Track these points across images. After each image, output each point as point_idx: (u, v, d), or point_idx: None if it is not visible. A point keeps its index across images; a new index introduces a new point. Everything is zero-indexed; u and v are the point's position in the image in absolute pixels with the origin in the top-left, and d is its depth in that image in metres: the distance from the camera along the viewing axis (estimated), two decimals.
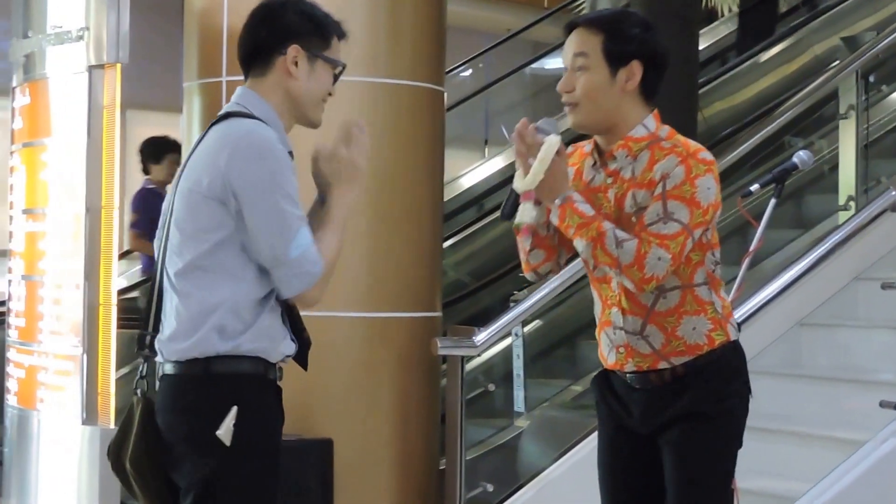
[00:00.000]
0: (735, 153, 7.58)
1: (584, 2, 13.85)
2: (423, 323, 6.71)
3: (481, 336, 6.56)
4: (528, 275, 4.32)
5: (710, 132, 9.25)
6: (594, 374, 4.28)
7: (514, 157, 4.05)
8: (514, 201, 4.03)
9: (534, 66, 13.49)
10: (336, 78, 4.12)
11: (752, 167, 8.24)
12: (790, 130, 8.17)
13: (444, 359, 6.71)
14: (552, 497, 6.60)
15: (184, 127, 7.19)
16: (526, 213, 4.02)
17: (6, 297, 7.39)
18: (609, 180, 4.08)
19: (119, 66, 6.60)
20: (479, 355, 7.12)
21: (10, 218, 7.27)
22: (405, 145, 6.67)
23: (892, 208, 6.19)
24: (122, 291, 6.99)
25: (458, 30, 7.14)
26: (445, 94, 7.32)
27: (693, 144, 4.05)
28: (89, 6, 6.69)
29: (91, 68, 6.61)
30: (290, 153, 3.92)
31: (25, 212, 7.12)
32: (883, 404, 5.86)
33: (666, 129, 4.09)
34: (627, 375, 4.14)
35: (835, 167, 7.87)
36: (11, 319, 7.24)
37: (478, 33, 11.21)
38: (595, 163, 4.15)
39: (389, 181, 6.54)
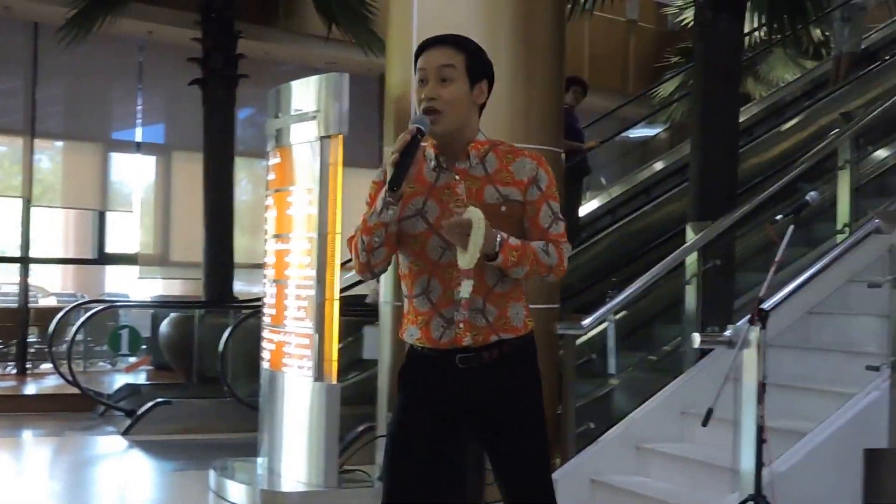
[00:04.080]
0: (765, 194, 7.58)
1: (657, 89, 13.89)
2: (548, 312, 6.67)
3: (587, 321, 6.55)
4: (364, 276, 3.59)
5: (745, 179, 9.22)
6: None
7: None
8: (398, 177, 3.28)
9: (621, 135, 13.60)
10: None
11: (777, 203, 8.10)
12: (803, 178, 7.97)
13: (562, 336, 6.67)
14: (634, 432, 6.63)
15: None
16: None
17: (263, 296, 7.54)
18: (457, 177, 3.47)
19: (341, 136, 6.76)
20: (585, 334, 6.99)
21: (265, 241, 7.45)
22: None
23: (875, 232, 6.13)
24: (343, 290, 7.12)
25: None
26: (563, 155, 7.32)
27: (529, 149, 3.58)
28: (320, 95, 6.86)
29: (321, 138, 6.79)
30: None
31: (276, 237, 7.31)
32: (868, 368, 5.84)
33: (493, 138, 3.58)
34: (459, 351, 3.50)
35: (834, 203, 7.82)
36: (266, 310, 7.41)
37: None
38: (436, 166, 3.50)
39: None
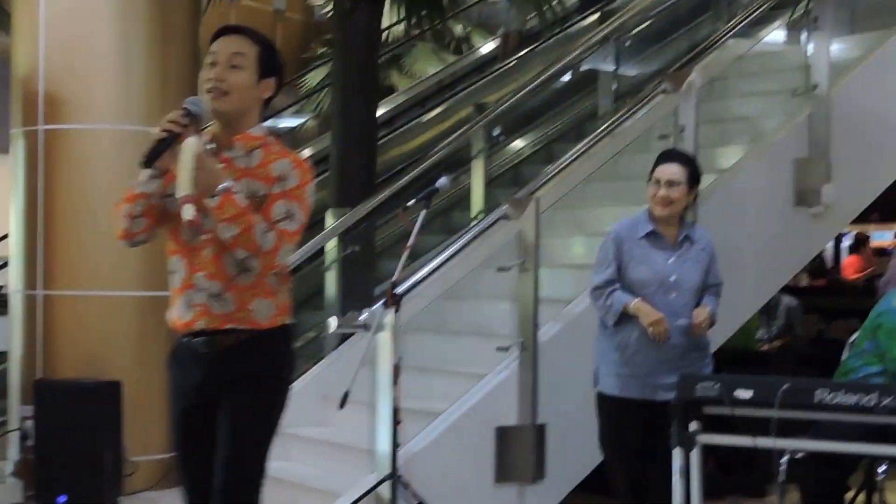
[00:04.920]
0: (403, 181, 7.79)
1: (304, 80, 13.95)
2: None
3: None
4: (125, 243, 3.63)
5: (387, 168, 9.37)
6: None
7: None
8: (154, 152, 3.40)
9: (269, 123, 13.46)
10: None
11: (417, 192, 8.21)
12: (441, 165, 8.00)
13: None
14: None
15: (11, 165, 6.98)
16: (187, 212, 3.34)
17: None
18: (222, 165, 3.51)
19: None
20: None
21: None
22: None
23: (504, 218, 6.28)
24: None
25: None
26: None
27: (299, 154, 3.64)
28: None
29: None
30: None
31: None
32: (498, 349, 6.11)
33: (273, 138, 3.67)
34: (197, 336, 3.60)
35: (470, 191, 8.09)
36: None
37: None
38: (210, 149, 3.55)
39: None
